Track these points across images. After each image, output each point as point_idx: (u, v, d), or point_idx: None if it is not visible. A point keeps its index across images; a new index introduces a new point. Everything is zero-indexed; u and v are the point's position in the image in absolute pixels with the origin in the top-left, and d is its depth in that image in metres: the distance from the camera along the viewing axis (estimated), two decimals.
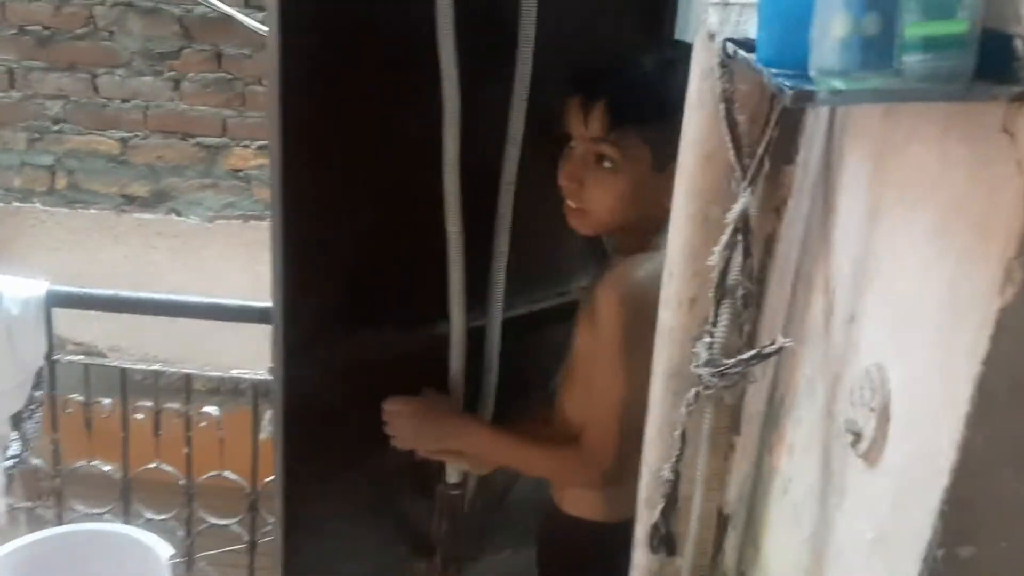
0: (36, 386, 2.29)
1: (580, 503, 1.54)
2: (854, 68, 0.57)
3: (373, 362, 1.55)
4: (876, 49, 0.57)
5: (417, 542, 1.74)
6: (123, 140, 3.36)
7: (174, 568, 2.12)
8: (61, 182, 3.41)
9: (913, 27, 0.56)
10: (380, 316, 1.54)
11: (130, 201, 3.42)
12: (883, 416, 0.71)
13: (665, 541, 0.95)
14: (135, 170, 3.38)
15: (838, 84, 0.58)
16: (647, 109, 1.25)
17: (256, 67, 3.25)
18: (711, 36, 0.83)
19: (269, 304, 2.12)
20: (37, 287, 2.24)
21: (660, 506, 0.93)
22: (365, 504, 1.68)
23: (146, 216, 3.43)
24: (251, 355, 2.33)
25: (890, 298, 0.74)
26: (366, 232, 1.47)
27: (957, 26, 0.56)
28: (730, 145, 0.80)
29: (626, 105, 1.30)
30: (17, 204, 3.44)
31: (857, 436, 0.74)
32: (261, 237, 3.59)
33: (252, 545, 2.39)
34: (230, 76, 3.28)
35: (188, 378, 2.40)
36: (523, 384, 1.65)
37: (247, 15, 3.09)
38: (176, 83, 3.30)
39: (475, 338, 1.57)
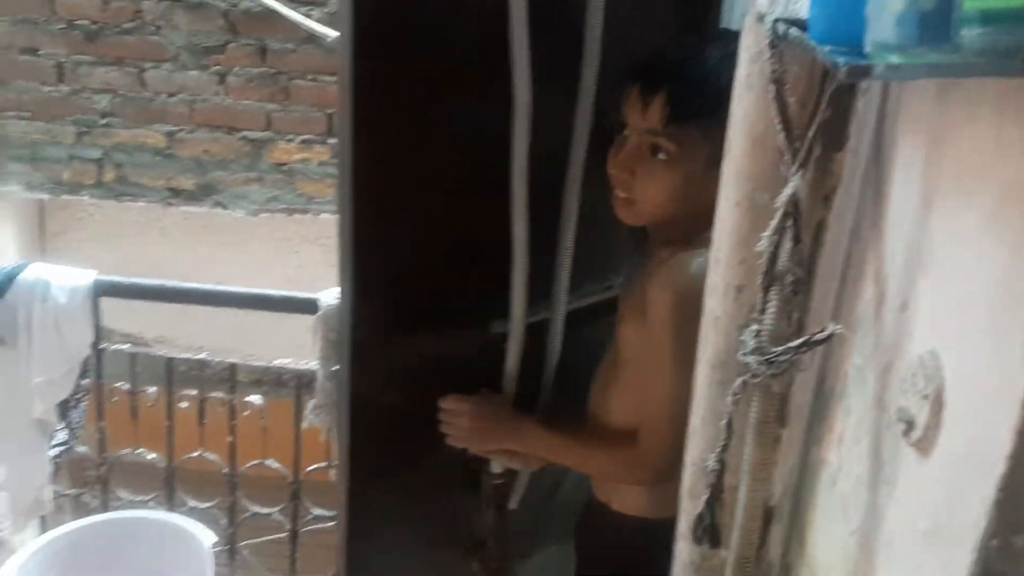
0: (83, 375, 2.32)
1: (626, 499, 1.52)
2: (911, 43, 0.56)
3: (429, 360, 1.56)
4: (933, 23, 0.55)
5: (470, 539, 1.74)
6: (170, 134, 3.40)
7: (216, 556, 2.14)
8: (109, 175, 3.45)
9: (972, 0, 0.55)
10: (438, 314, 1.54)
11: (176, 194, 3.46)
12: (936, 403, 0.69)
13: (709, 532, 0.94)
14: (181, 163, 3.42)
15: (894, 59, 0.57)
16: (707, 104, 1.22)
17: (300, 61, 3.27)
18: (760, 17, 0.82)
19: (312, 295, 2.15)
20: (85, 276, 2.27)
21: (704, 497, 0.92)
22: (421, 501, 1.68)
23: (192, 209, 3.47)
24: (294, 346, 2.34)
25: (944, 285, 0.72)
26: (428, 230, 1.48)
27: (1016, 0, 0.55)
28: (780, 128, 0.78)
29: (687, 99, 1.28)
30: (66, 197, 3.50)
31: (909, 425, 0.72)
32: (303, 230, 3.63)
33: (294, 534, 2.41)
34: (274, 70, 3.31)
35: (232, 368, 2.42)
36: (569, 380, 1.64)
37: (292, 9, 3.12)
38: (221, 77, 3.33)
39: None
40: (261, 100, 3.34)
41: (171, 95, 3.37)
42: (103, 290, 2.26)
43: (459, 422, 1.56)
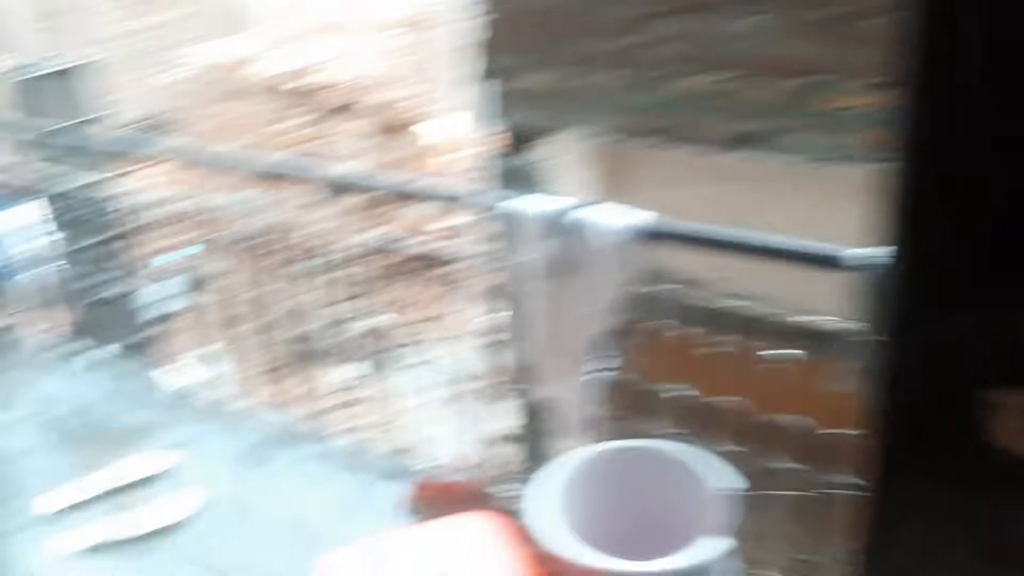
0: (630, 308, 2.50)
1: None
2: None
3: (979, 341, 1.39)
4: None
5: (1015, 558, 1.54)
6: (729, 80, 3.45)
7: (735, 500, 2.18)
8: (671, 122, 3.62)
9: None
10: (993, 289, 1.36)
11: (731, 141, 3.50)
12: None
13: None
14: (738, 110, 3.45)
15: None
16: None
17: (862, 1, 3.07)
18: None
19: (853, 251, 2.04)
20: (635, 217, 2.43)
21: None
22: (958, 498, 1.53)
23: (745, 155, 3.49)
24: (839, 302, 2.25)
25: None
26: (992, 193, 1.31)
27: None
28: None
29: None
30: (627, 142, 3.75)
31: None
32: (859, 181, 3.44)
33: (812, 496, 2.36)
34: (838, 12, 3.15)
35: (770, 317, 2.42)
36: None
37: None
38: (781, 21, 3.27)
39: None
40: (822, 45, 3.22)
41: (731, 41, 3.40)
42: (647, 232, 2.40)
43: (1014, 420, 1.36)
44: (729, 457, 2.42)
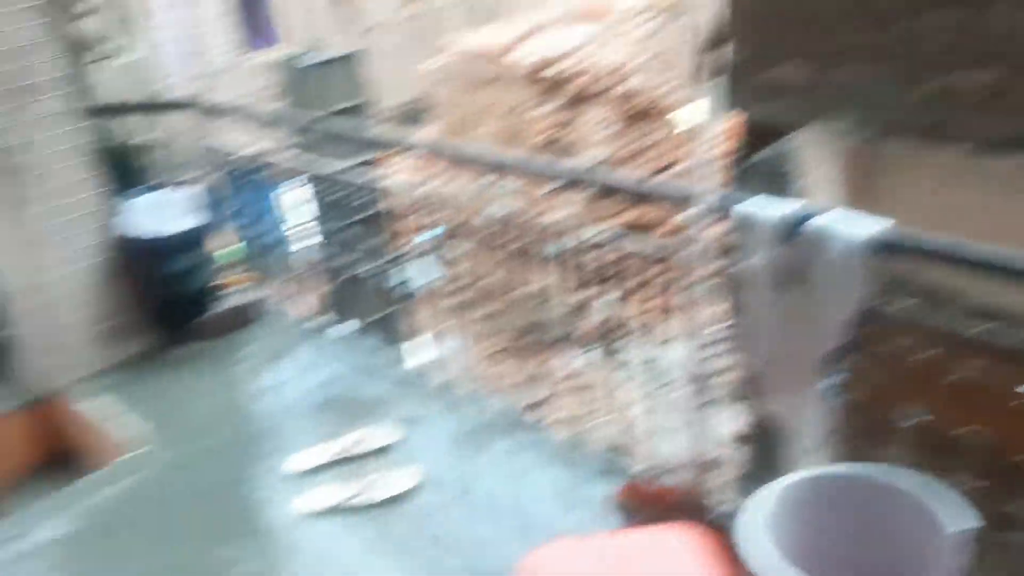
0: (866, 323, 2.33)
1: None
2: None
3: None
4: None
5: None
6: (1001, 77, 3.12)
7: (971, 543, 1.99)
8: (930, 121, 3.33)
9: None
10: None
11: (1003, 143, 3.17)
12: None
13: None
14: (1011, 110, 3.12)
15: None
16: None
17: None
18: None
19: None
20: (878, 226, 2.26)
21: None
22: None
23: (1018, 160, 3.16)
24: None
25: None
26: None
27: None
28: None
29: None
30: (883, 142, 3.49)
31: None
32: None
33: None
34: None
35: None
36: None
37: None
38: None
39: None
40: None
41: (1009, 35, 3.08)
42: (892, 245, 2.22)
43: None
44: (967, 495, 2.21)
